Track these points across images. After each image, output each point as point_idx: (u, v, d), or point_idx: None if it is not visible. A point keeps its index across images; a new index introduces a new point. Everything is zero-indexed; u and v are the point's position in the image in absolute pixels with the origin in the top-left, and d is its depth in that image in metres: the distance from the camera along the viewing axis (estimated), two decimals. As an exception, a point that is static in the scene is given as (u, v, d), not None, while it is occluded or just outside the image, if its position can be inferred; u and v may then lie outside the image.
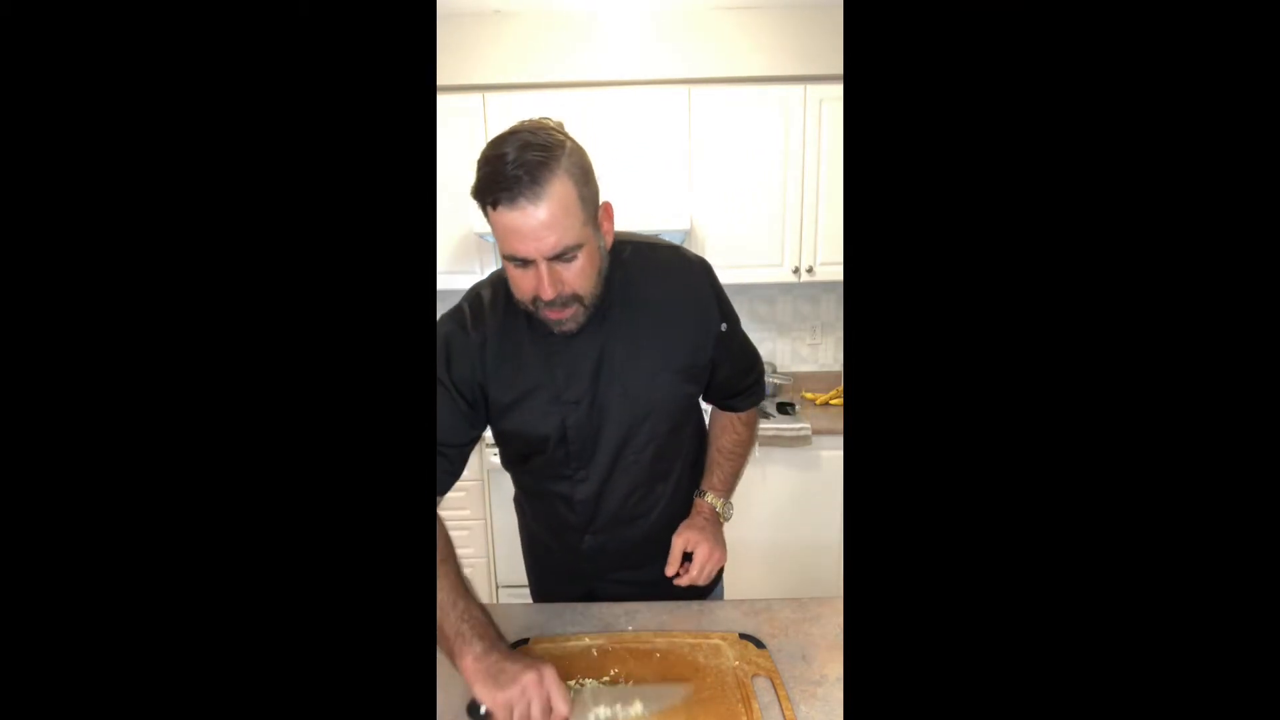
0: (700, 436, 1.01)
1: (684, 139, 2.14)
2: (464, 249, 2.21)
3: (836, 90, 2.12)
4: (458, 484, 0.95)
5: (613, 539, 0.92)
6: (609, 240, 0.79)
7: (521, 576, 1.11)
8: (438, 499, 0.87)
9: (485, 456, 2.02)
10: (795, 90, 2.12)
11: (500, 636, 0.70)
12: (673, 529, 0.92)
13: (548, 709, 0.64)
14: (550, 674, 0.65)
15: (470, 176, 0.70)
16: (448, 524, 0.79)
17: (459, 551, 0.77)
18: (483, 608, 0.71)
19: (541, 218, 0.67)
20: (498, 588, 2.14)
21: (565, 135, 0.71)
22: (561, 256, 0.70)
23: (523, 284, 0.74)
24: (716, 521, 0.95)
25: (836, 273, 2.22)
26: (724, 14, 2.12)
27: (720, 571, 1.05)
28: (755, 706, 0.68)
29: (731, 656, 0.76)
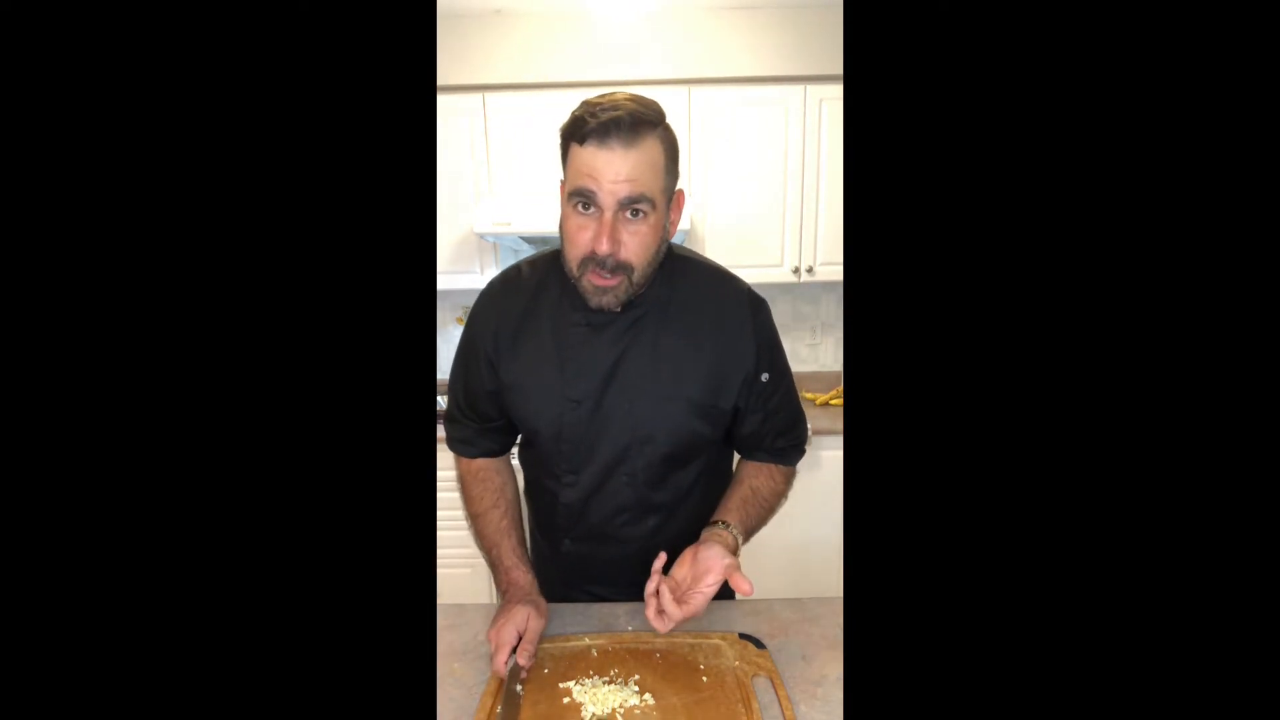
0: (714, 485, 0.91)
1: (684, 139, 2.14)
2: (464, 249, 2.20)
3: (836, 90, 2.12)
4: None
5: (591, 550, 0.89)
6: (674, 229, 0.79)
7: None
8: (461, 463, 0.93)
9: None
10: (795, 90, 2.12)
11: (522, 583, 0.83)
12: (652, 561, 0.79)
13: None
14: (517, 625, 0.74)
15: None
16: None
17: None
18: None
19: (629, 161, 0.68)
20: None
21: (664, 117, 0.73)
22: (633, 204, 0.70)
23: (579, 237, 0.72)
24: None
25: (836, 273, 2.22)
26: (723, 14, 2.12)
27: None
28: (755, 706, 0.67)
29: (731, 656, 0.76)
